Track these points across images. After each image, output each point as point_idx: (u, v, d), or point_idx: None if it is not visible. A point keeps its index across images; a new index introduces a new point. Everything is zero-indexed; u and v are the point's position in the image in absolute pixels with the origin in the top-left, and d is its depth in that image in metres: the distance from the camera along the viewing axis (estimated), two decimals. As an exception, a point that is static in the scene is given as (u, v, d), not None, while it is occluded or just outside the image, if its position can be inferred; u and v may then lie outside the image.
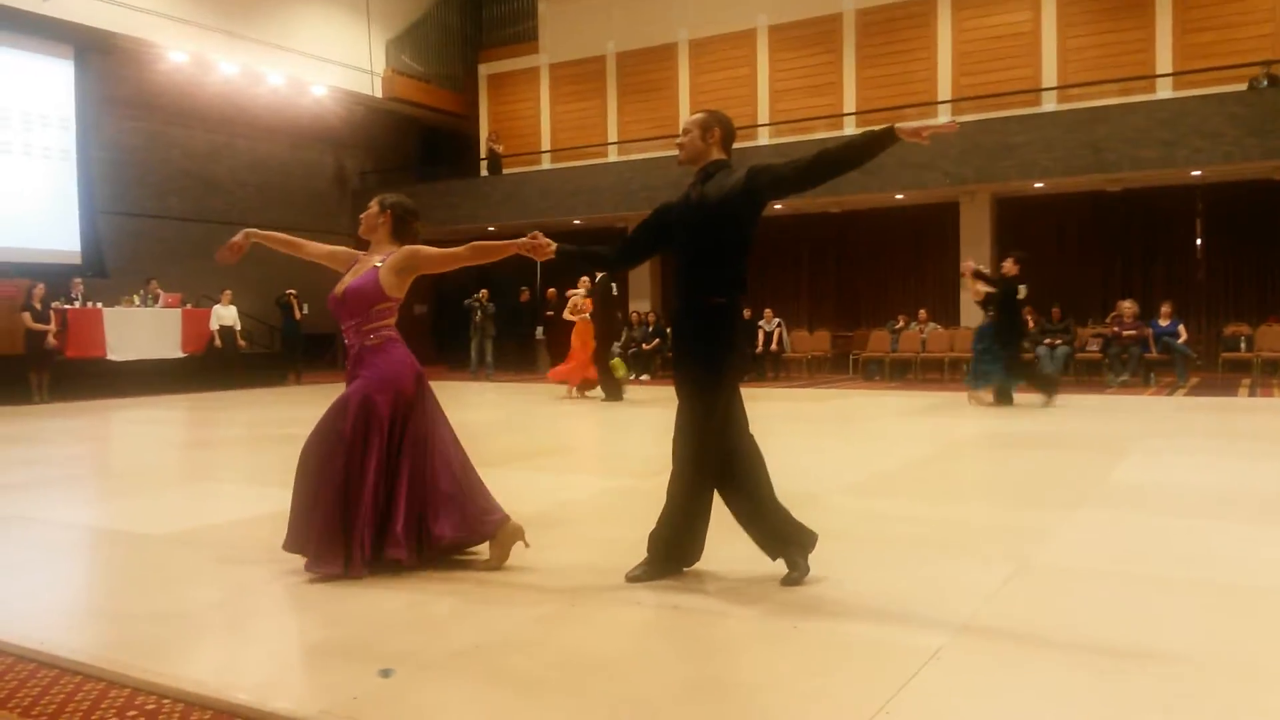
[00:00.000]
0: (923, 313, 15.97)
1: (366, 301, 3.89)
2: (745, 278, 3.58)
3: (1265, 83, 13.97)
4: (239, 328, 15.66)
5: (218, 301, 15.54)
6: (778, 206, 16.42)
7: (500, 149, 19.93)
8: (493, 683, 2.70)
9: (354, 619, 3.25)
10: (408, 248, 3.97)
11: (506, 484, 5.89)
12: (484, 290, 16.85)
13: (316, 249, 4.24)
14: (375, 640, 3.03)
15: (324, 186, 20.41)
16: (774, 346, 16.10)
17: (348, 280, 3.96)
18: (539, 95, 20.88)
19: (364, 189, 21.03)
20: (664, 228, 3.74)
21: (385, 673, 2.74)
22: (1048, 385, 10.56)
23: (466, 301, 16.89)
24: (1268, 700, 2.49)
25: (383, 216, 4.02)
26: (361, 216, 4.08)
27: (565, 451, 7.53)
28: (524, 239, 3.82)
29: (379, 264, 3.93)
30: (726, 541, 4.24)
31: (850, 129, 17.57)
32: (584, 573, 3.78)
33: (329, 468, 3.73)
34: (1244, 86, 14.09)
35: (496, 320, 17.03)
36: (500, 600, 3.45)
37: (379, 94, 20.83)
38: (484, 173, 20.49)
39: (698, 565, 3.69)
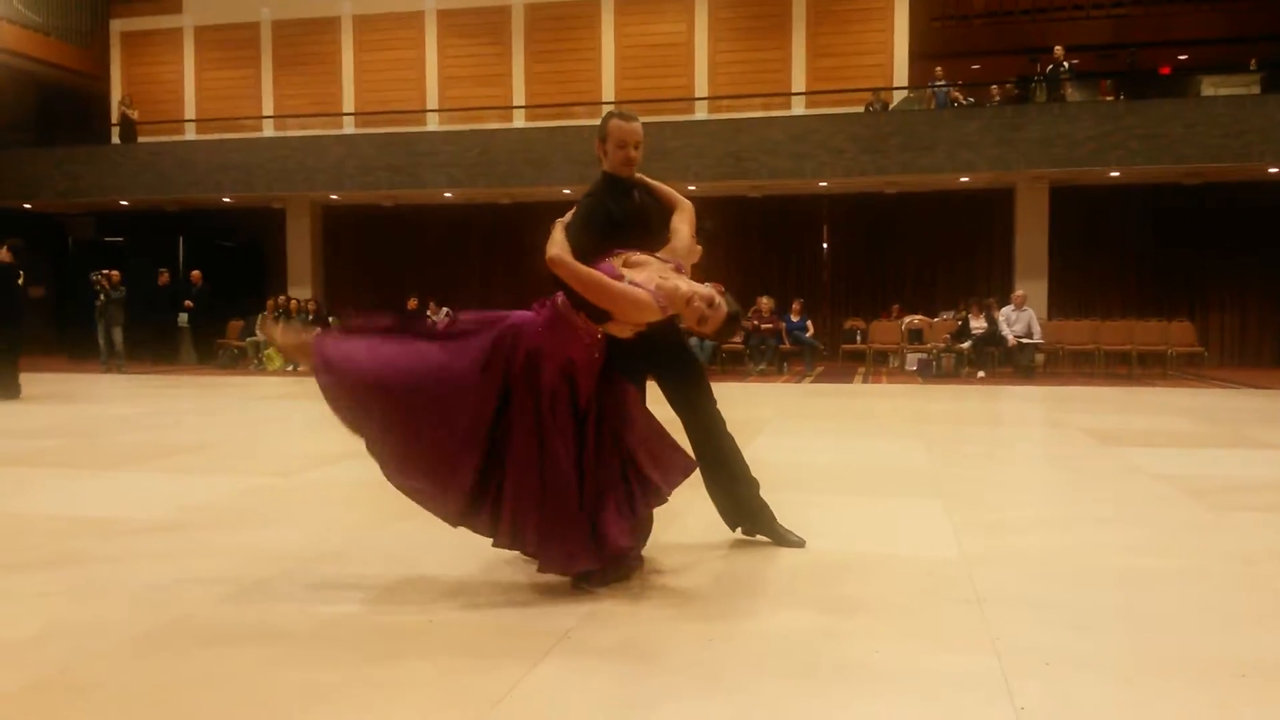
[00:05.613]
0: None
1: None
2: None
3: (878, 107, 15.89)
4: None
5: None
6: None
7: (134, 115, 17.93)
8: None
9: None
10: None
11: (127, 489, 5.33)
12: (114, 271, 15.10)
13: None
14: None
15: (-93, 146, 17.32)
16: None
17: None
18: (182, 60, 19.08)
19: (-38, 150, 18.12)
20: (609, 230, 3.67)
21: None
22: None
23: (92, 276, 15.01)
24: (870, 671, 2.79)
25: None
26: None
27: (201, 450, 6.91)
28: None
29: None
30: (375, 533, 4.10)
31: (520, 122, 17.74)
32: (196, 585, 3.48)
33: None
34: (861, 109, 15.93)
35: (129, 305, 15.22)
36: (91, 620, 3.08)
37: (-16, 43, 18.08)
38: (115, 140, 18.37)
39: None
